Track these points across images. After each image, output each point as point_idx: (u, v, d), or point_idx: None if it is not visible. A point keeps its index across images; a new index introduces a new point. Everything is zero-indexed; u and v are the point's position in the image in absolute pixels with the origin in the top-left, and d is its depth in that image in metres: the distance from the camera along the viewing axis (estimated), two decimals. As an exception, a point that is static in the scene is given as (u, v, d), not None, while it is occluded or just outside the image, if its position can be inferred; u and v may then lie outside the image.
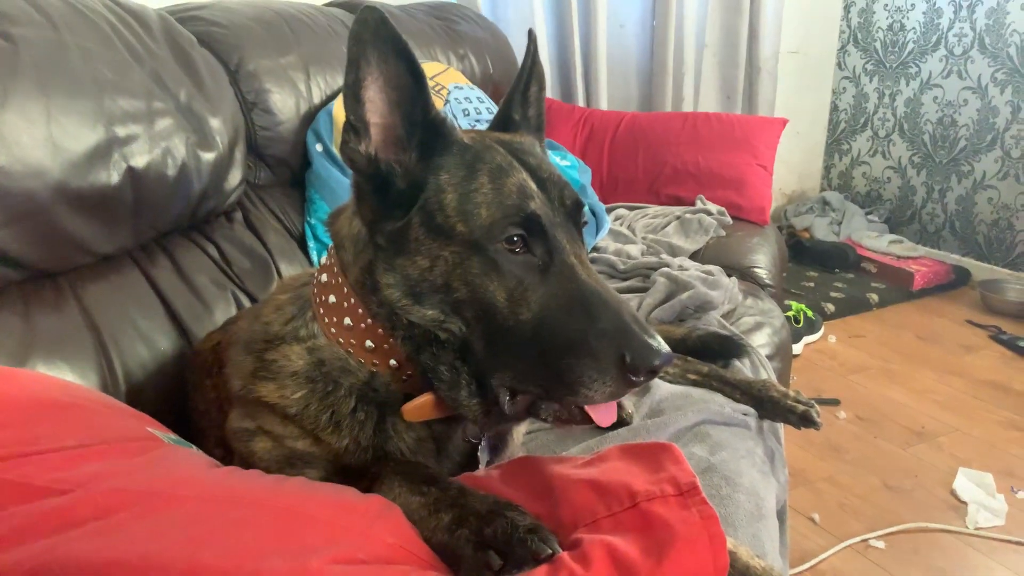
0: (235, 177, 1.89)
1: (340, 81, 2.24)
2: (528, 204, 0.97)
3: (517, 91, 1.19)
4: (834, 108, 5.31)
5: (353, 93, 0.96)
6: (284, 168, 2.19)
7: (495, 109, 2.50)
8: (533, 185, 1.00)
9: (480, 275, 0.95)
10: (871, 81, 5.05)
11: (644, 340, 0.89)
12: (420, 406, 1.03)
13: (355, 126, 0.98)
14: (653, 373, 0.90)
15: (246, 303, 1.76)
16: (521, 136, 1.14)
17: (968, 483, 2.69)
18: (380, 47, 0.95)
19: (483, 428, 1.11)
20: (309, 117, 2.17)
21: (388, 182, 1.01)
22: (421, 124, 1.01)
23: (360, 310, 1.03)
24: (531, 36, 1.18)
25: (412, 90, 0.99)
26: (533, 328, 0.93)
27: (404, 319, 1.00)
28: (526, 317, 0.94)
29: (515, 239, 0.95)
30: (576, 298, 0.93)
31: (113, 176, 1.51)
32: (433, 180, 1.00)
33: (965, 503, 2.60)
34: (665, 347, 0.89)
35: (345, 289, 1.05)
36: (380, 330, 1.03)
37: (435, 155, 1.01)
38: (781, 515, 1.68)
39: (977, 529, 2.47)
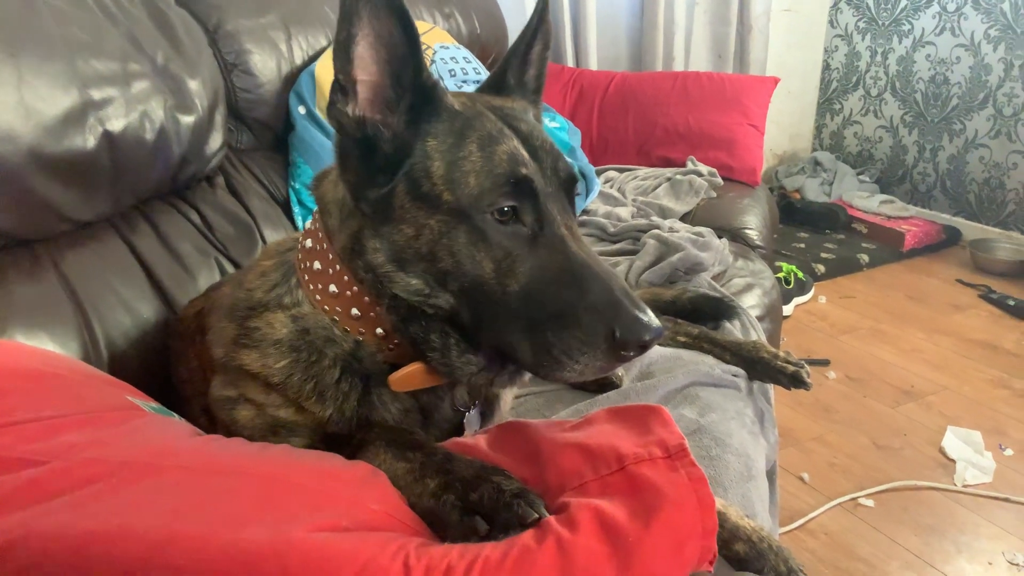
0: (216, 141, 1.85)
1: (322, 41, 2.19)
2: (519, 171, 0.94)
3: (518, 52, 1.14)
4: (826, 67, 5.26)
5: (344, 49, 0.92)
6: (266, 131, 2.15)
7: (482, 70, 2.46)
8: (525, 153, 0.97)
9: (467, 245, 0.93)
10: (863, 39, 4.99)
11: (634, 315, 0.86)
12: (408, 375, 1.01)
13: (343, 85, 0.94)
14: (643, 348, 0.88)
15: (230, 270, 1.74)
16: (513, 101, 1.11)
17: (957, 441, 2.71)
18: (373, 2, 0.91)
19: (477, 390, 1.10)
20: (291, 78, 2.13)
21: (374, 146, 0.97)
22: (411, 87, 0.97)
23: (346, 277, 1.01)
24: None
25: (404, 50, 0.95)
26: (521, 300, 0.91)
27: (389, 289, 0.98)
28: (514, 289, 0.91)
29: (505, 209, 0.93)
30: (566, 270, 0.91)
31: (89, 140, 1.47)
32: (420, 146, 0.96)
33: (953, 461, 2.62)
34: (656, 322, 0.87)
35: (331, 255, 1.02)
36: (366, 298, 1.00)
37: (423, 120, 0.97)
38: (771, 475, 1.69)
39: (965, 486, 2.50)
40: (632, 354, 0.88)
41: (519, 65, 1.15)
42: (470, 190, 0.93)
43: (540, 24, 1.14)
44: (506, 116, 1.01)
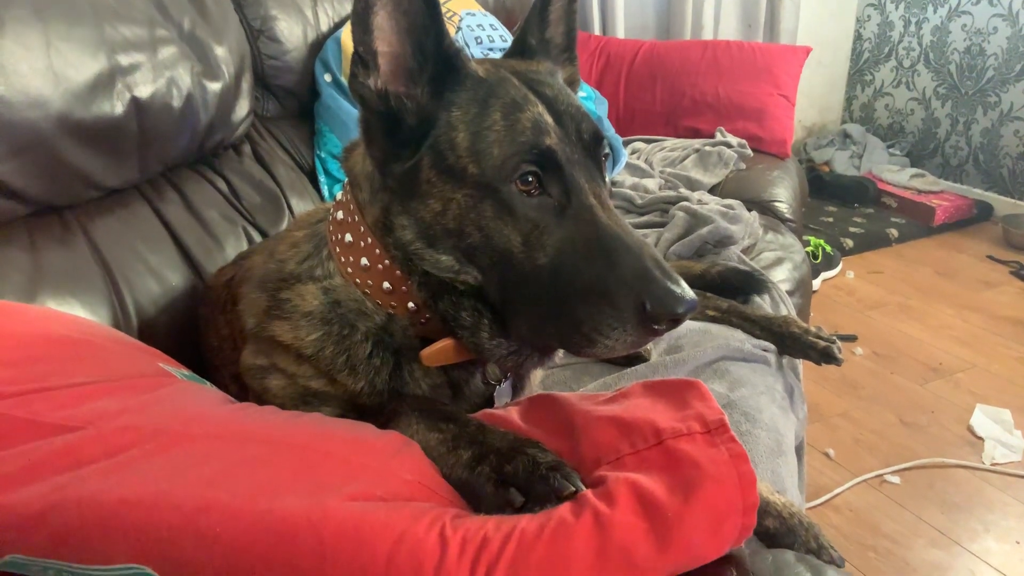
0: (243, 108, 1.84)
1: (347, 7, 2.17)
2: (543, 140, 0.91)
3: (535, 10, 1.10)
4: (858, 37, 5.13)
5: (361, 20, 0.90)
6: (292, 99, 2.13)
7: (509, 37, 2.42)
8: (549, 119, 0.93)
9: (494, 219, 0.90)
10: (897, 8, 4.87)
11: (666, 286, 0.83)
12: (439, 350, 1.00)
13: (363, 58, 0.92)
14: (676, 321, 0.85)
15: (257, 238, 1.74)
16: (539, 64, 1.07)
17: (985, 419, 2.67)
18: None
19: (506, 370, 1.09)
20: (317, 45, 2.11)
21: (398, 119, 0.95)
22: (433, 56, 0.94)
23: (378, 250, 0.99)
24: None
25: (424, 17, 0.92)
26: (550, 274, 0.88)
27: (419, 266, 0.96)
28: (543, 262, 0.89)
29: (529, 179, 0.90)
30: (595, 242, 0.88)
31: (117, 106, 1.47)
32: (444, 117, 0.94)
33: (982, 439, 2.59)
34: (689, 293, 0.84)
35: (362, 228, 1.01)
36: (398, 272, 0.99)
37: (447, 90, 0.95)
38: (799, 451, 1.67)
39: (993, 465, 2.46)
40: (664, 328, 0.85)
41: (538, 24, 1.11)
42: (493, 161, 0.90)
43: None
44: (531, 81, 0.98)
